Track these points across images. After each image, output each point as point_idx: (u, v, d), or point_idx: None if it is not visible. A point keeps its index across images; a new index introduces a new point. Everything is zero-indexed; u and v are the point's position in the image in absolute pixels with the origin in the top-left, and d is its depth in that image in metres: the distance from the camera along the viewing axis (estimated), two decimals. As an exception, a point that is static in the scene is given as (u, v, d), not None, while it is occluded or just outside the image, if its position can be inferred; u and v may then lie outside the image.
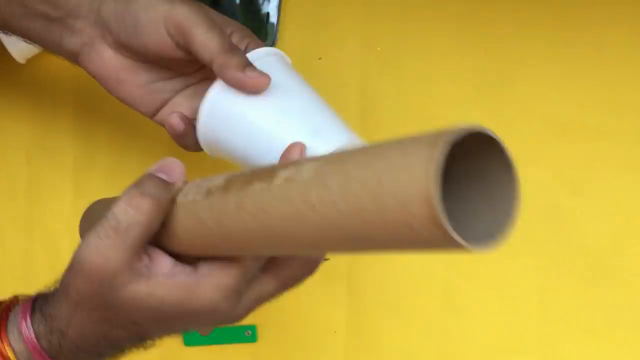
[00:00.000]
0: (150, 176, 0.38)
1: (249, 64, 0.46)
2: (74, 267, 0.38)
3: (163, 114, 0.51)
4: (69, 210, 0.66)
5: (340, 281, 0.64)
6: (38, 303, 0.42)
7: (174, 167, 0.39)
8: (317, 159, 0.31)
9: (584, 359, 0.62)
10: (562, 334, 0.62)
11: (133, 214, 0.36)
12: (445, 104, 0.65)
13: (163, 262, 0.38)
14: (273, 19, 0.65)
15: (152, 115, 0.51)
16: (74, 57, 0.50)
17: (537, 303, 0.62)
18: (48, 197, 0.66)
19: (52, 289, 0.42)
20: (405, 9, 0.66)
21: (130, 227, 0.36)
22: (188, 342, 0.65)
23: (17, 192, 0.66)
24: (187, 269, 0.38)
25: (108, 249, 0.36)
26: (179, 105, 0.51)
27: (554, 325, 0.62)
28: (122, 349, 0.41)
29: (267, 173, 0.33)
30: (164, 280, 0.37)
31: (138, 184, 0.38)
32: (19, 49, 0.62)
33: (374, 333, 0.64)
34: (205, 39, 0.45)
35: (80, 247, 0.38)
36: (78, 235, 0.69)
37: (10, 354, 0.40)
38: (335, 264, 0.64)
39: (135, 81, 0.50)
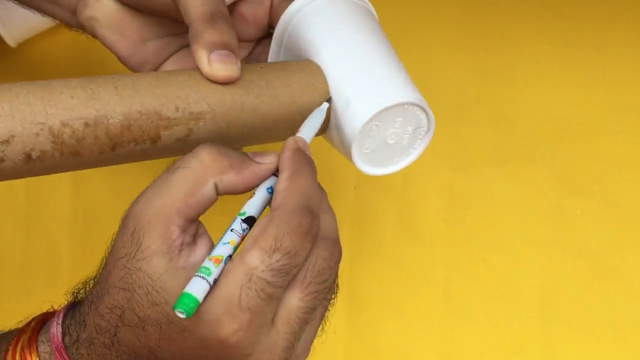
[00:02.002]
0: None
1: (221, 46, 0.38)
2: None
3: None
4: (69, 210, 0.66)
5: (341, 281, 0.64)
6: (72, 310, 0.38)
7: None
8: None
9: (584, 359, 0.62)
10: (562, 334, 0.62)
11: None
12: (446, 104, 0.65)
13: (199, 254, 0.34)
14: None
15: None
16: (71, 8, 0.45)
17: (537, 303, 0.62)
18: (47, 197, 0.66)
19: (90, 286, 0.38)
20: (404, 9, 0.66)
21: (179, 173, 0.34)
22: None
23: (17, 192, 0.66)
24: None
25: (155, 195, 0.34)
26: (177, 65, 0.46)
27: (554, 325, 0.62)
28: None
29: None
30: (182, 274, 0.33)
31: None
32: (11, 32, 0.62)
33: (374, 333, 0.64)
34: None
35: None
36: (77, 235, 0.69)
37: None
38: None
39: (136, 35, 0.45)
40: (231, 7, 0.44)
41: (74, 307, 0.38)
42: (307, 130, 0.39)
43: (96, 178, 0.65)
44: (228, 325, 0.32)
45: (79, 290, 0.38)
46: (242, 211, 0.35)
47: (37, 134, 0.35)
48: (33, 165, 0.36)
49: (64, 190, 0.66)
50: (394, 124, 0.42)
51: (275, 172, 0.36)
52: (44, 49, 0.66)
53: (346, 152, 0.43)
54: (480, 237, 0.63)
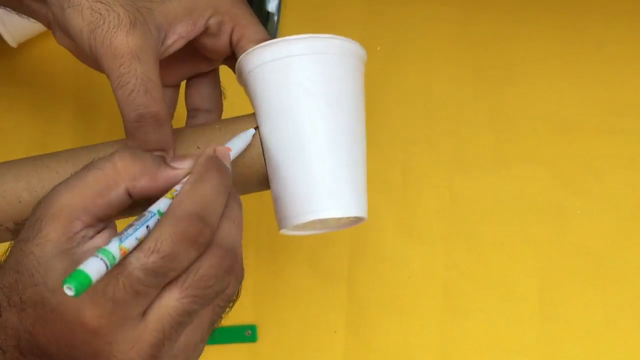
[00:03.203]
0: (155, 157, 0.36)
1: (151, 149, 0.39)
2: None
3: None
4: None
5: (340, 281, 0.64)
6: None
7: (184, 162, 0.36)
8: None
9: (584, 359, 0.62)
10: (562, 334, 0.62)
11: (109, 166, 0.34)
12: (446, 104, 0.65)
13: (95, 244, 0.34)
14: (274, 18, 0.65)
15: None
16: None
17: (536, 303, 0.62)
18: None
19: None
20: (405, 9, 0.66)
21: (92, 174, 0.34)
22: (188, 342, 0.65)
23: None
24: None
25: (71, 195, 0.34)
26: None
27: (554, 325, 0.62)
28: None
29: None
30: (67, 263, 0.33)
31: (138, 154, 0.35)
32: (11, 33, 0.62)
33: (374, 333, 0.64)
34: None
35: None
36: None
37: None
38: (335, 264, 0.64)
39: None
40: (194, 40, 0.44)
41: None
42: (232, 145, 0.40)
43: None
44: (89, 311, 0.32)
45: None
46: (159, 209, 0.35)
47: None
48: None
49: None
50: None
51: None
52: (44, 49, 0.66)
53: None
54: (480, 237, 0.63)
